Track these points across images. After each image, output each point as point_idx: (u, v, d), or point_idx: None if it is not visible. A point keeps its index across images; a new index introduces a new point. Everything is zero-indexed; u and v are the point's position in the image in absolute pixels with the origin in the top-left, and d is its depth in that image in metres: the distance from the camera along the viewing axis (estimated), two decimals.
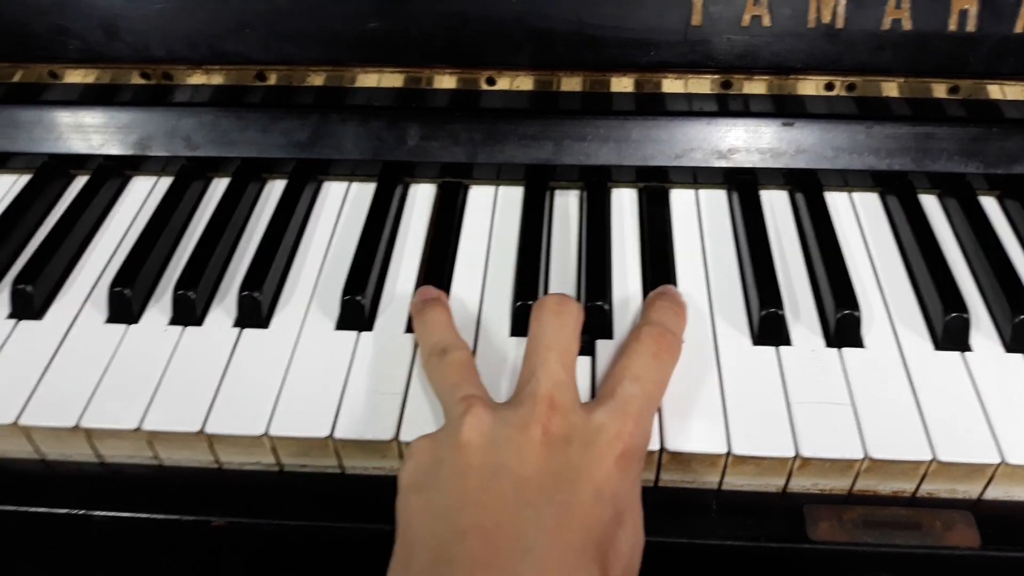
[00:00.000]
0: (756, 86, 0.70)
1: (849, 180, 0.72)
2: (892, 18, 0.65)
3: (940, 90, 0.70)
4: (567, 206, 0.72)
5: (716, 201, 0.72)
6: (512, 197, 0.73)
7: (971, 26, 0.65)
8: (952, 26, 0.65)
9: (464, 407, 0.49)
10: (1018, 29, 0.65)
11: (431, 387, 0.56)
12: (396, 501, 0.49)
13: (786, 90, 0.70)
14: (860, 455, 0.53)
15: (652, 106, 0.72)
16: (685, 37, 0.66)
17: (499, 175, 0.74)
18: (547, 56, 0.69)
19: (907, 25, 0.65)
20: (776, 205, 0.71)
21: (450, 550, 0.44)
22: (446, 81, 0.72)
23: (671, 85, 0.70)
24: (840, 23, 0.65)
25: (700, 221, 0.70)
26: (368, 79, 0.72)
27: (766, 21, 0.66)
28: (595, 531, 0.45)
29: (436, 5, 0.67)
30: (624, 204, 0.72)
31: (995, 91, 0.70)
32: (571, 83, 0.71)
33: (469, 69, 0.71)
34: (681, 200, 0.72)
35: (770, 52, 0.67)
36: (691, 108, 0.72)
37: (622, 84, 0.71)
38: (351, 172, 0.75)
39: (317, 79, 0.73)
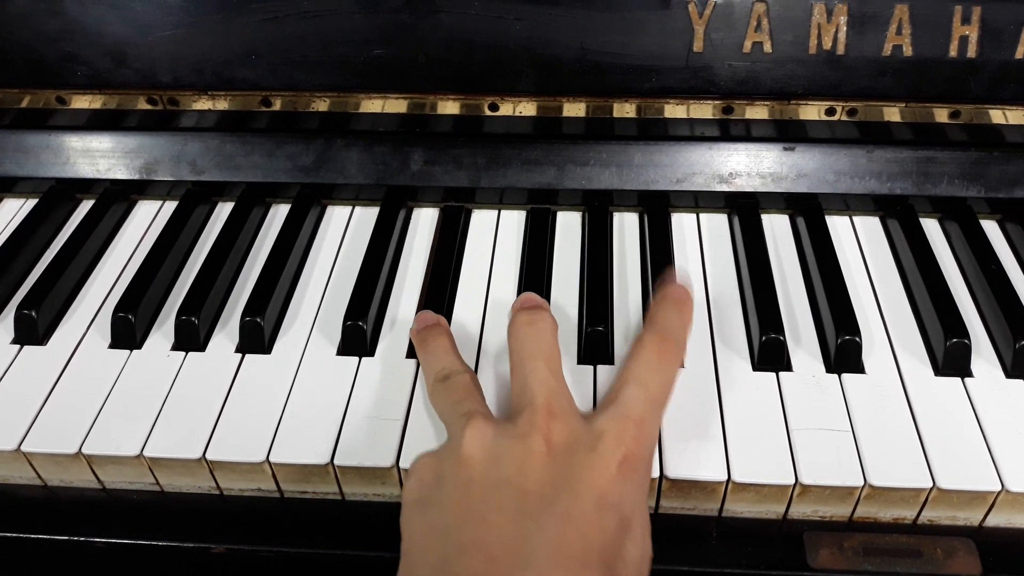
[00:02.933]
0: (757, 111, 0.70)
1: (850, 204, 0.72)
2: (893, 44, 0.66)
3: (941, 115, 0.70)
4: (570, 229, 0.72)
5: (717, 225, 0.72)
6: (514, 221, 0.73)
7: (972, 52, 0.65)
8: (953, 52, 0.65)
9: (465, 421, 0.49)
10: (1018, 55, 0.65)
11: (436, 413, 0.56)
12: (400, 518, 0.48)
13: (787, 115, 0.70)
14: (860, 482, 0.53)
15: (654, 131, 0.72)
16: (687, 63, 0.67)
17: (502, 199, 0.74)
18: (550, 82, 0.69)
19: (908, 51, 0.66)
20: (777, 229, 0.72)
21: (451, 566, 0.44)
22: (450, 107, 0.72)
23: (673, 110, 0.71)
24: (841, 49, 0.66)
25: (701, 245, 0.70)
26: (373, 105, 0.73)
27: (767, 47, 0.66)
28: (598, 540, 0.44)
29: (442, 32, 0.67)
30: (626, 228, 0.72)
31: (996, 116, 0.70)
32: (574, 109, 0.71)
33: (473, 95, 0.71)
34: (683, 224, 0.73)
35: (771, 78, 0.67)
36: (693, 133, 0.72)
37: (624, 110, 0.71)
38: (355, 196, 0.75)
39: (322, 104, 0.73)
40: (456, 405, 0.52)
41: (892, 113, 0.70)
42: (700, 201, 0.73)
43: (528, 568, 0.43)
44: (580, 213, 0.73)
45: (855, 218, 0.73)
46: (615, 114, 0.72)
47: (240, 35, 0.68)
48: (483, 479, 0.47)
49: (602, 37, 0.66)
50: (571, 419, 0.49)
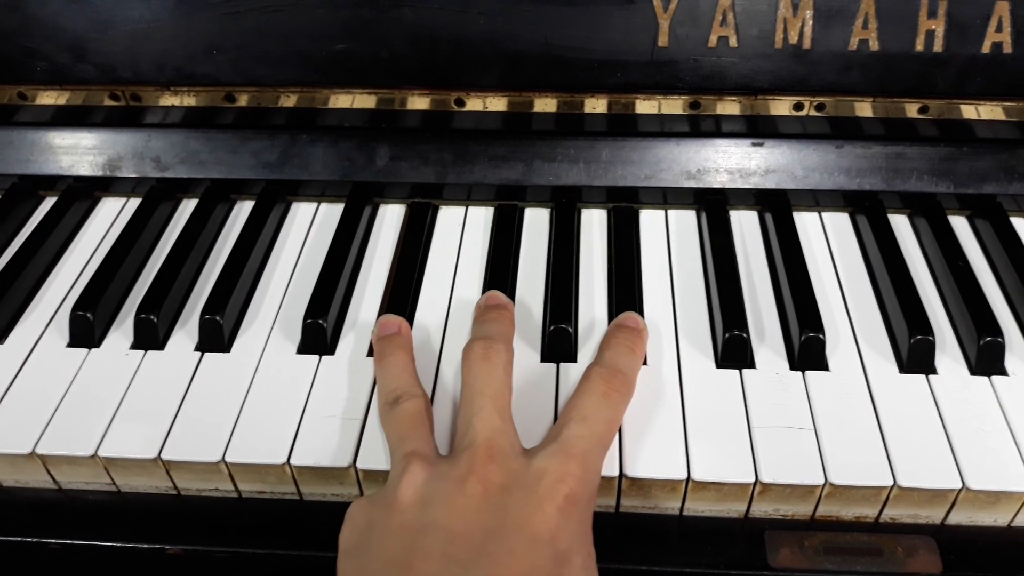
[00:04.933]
0: (725, 106, 0.70)
1: (820, 200, 0.72)
2: (859, 39, 0.65)
3: (910, 110, 0.70)
4: (538, 226, 0.71)
5: (686, 222, 0.72)
6: (481, 217, 0.72)
7: (938, 46, 0.65)
8: (919, 46, 0.65)
9: (403, 465, 0.49)
10: (985, 49, 0.65)
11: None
12: (338, 560, 0.48)
13: (755, 110, 0.70)
14: (821, 480, 0.52)
15: (622, 127, 0.72)
16: (652, 58, 0.66)
17: (469, 195, 0.74)
18: (516, 78, 0.68)
19: (874, 46, 0.65)
20: (745, 226, 0.71)
21: None
22: (416, 102, 0.72)
23: (640, 106, 0.70)
24: (807, 44, 0.65)
25: (669, 242, 0.70)
26: (338, 100, 0.72)
27: (733, 42, 0.65)
28: None
29: (405, 27, 0.67)
30: (593, 225, 0.72)
31: (964, 111, 0.69)
32: (541, 104, 0.71)
33: (439, 90, 0.71)
34: (651, 221, 0.72)
35: (738, 73, 0.67)
36: (660, 129, 0.72)
37: (591, 105, 0.71)
38: (321, 193, 0.74)
39: (287, 100, 0.72)
40: (400, 442, 0.52)
41: (861, 108, 0.70)
42: (669, 198, 0.73)
43: None
44: (548, 210, 0.73)
45: (824, 214, 0.72)
46: (582, 110, 0.71)
47: (200, 30, 0.68)
48: (412, 523, 0.46)
49: (566, 32, 0.66)
50: (511, 459, 0.49)
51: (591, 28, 0.66)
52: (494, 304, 0.60)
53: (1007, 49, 0.65)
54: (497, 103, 0.70)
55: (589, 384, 0.54)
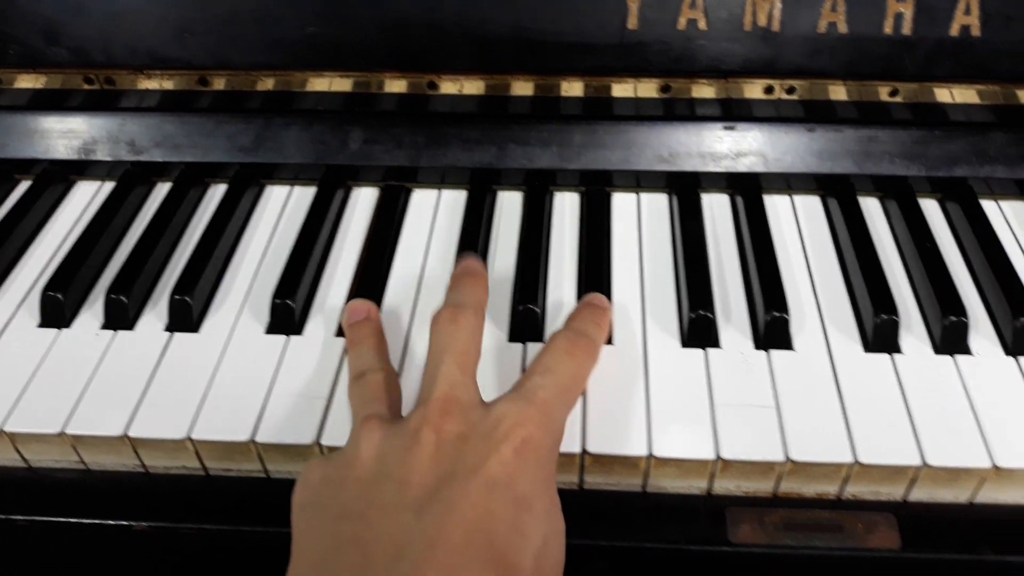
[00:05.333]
0: (696, 90, 0.70)
1: (792, 183, 0.72)
2: (828, 21, 0.65)
3: (881, 93, 0.70)
4: (512, 209, 0.72)
5: (657, 205, 0.72)
6: (455, 201, 0.73)
7: (907, 29, 0.65)
8: (888, 29, 0.65)
9: (360, 424, 0.49)
10: (953, 32, 0.65)
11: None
12: (291, 519, 0.48)
13: (726, 94, 0.70)
14: (781, 457, 0.53)
15: (594, 110, 0.72)
16: (622, 41, 0.66)
17: (443, 179, 0.74)
18: (488, 61, 0.69)
19: (843, 28, 0.65)
20: (716, 209, 0.71)
21: (328, 565, 0.44)
22: (390, 85, 0.72)
23: (612, 89, 0.71)
24: (776, 26, 0.65)
25: (640, 225, 0.70)
26: (311, 84, 0.72)
27: (702, 24, 0.66)
28: (486, 523, 0.43)
29: (376, 11, 0.67)
30: (565, 208, 0.72)
31: (935, 94, 0.70)
32: (513, 88, 0.71)
33: (412, 74, 0.71)
34: (623, 204, 0.72)
35: (707, 56, 0.67)
36: (633, 112, 0.72)
37: (563, 89, 0.71)
38: (294, 176, 0.75)
39: (260, 84, 0.73)
40: (362, 407, 0.52)
41: (832, 91, 0.70)
42: (641, 181, 0.73)
43: (402, 559, 0.42)
44: (522, 193, 0.73)
45: (796, 197, 0.73)
46: (555, 93, 0.72)
47: (173, 14, 0.68)
48: (366, 476, 0.46)
49: (536, 14, 0.66)
50: (469, 410, 0.48)
51: (561, 11, 0.66)
52: (467, 271, 0.60)
53: (975, 32, 0.65)
54: (470, 86, 0.71)
55: (554, 343, 0.54)
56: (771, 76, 0.69)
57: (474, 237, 0.67)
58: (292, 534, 0.47)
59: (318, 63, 0.70)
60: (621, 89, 0.70)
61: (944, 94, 0.70)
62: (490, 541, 0.43)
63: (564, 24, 0.66)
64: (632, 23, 0.66)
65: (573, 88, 0.71)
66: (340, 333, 0.61)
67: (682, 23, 0.66)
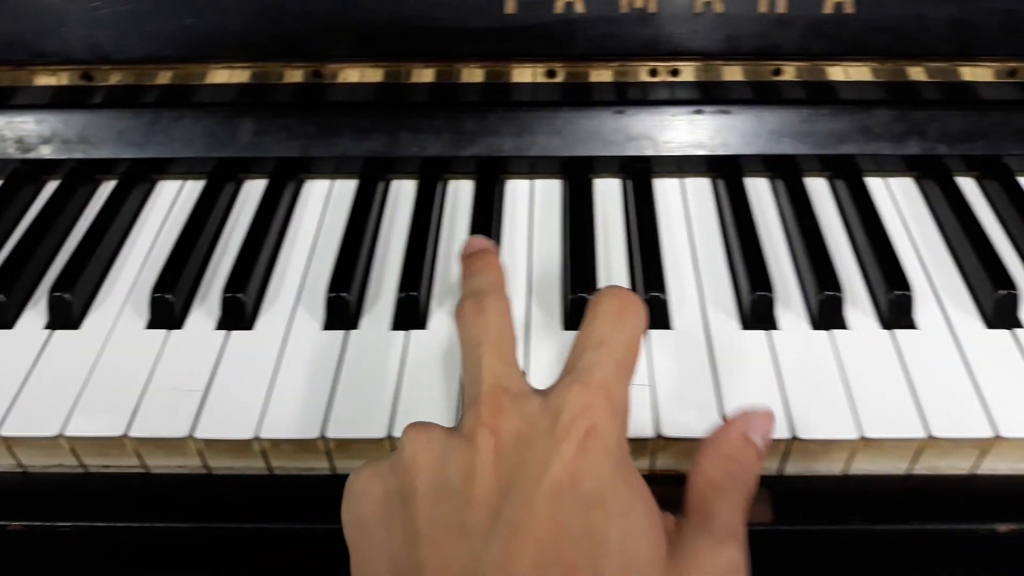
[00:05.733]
0: (581, 74, 0.70)
1: (683, 167, 0.73)
2: (704, 1, 0.66)
3: (764, 72, 0.71)
4: (406, 198, 0.72)
5: (550, 191, 0.72)
6: (349, 191, 0.72)
7: (781, 7, 0.66)
8: (763, 8, 0.66)
9: (410, 432, 0.45)
10: (827, 10, 0.66)
11: None
12: (345, 531, 0.45)
13: (612, 77, 0.71)
14: (652, 434, 0.53)
15: (484, 97, 0.72)
16: (501, 25, 0.66)
17: (337, 169, 0.74)
18: (369, 48, 0.69)
19: (719, 8, 0.66)
20: (608, 194, 0.72)
21: None
22: (275, 76, 0.72)
23: (500, 76, 0.71)
24: (653, 7, 0.66)
25: (532, 211, 0.71)
26: (198, 76, 0.72)
27: (579, 8, 0.66)
28: (555, 538, 0.39)
29: (252, 1, 0.66)
30: (459, 196, 0.72)
31: (819, 72, 0.70)
32: (400, 75, 0.71)
33: (295, 63, 0.70)
34: (518, 191, 0.73)
35: (587, 39, 0.67)
36: (523, 98, 0.72)
37: (451, 75, 0.71)
38: (187, 171, 0.74)
39: (147, 78, 0.72)
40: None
41: (715, 72, 0.71)
42: (536, 167, 0.73)
43: None
44: (415, 182, 0.73)
45: (687, 180, 0.73)
46: (445, 80, 0.72)
47: (46, 7, 0.67)
48: (429, 491, 0.42)
49: (413, 1, 0.66)
50: (523, 402, 0.44)
51: None
52: (475, 251, 0.56)
53: (848, 10, 0.66)
54: (354, 75, 0.71)
55: (598, 307, 0.48)
56: (653, 58, 0.69)
57: (361, 226, 0.67)
58: (351, 552, 0.44)
59: (202, 55, 0.70)
60: (508, 75, 0.71)
61: (827, 72, 0.70)
62: (561, 557, 0.39)
63: (441, 9, 0.66)
64: (510, 7, 0.66)
65: (462, 75, 0.71)
66: (220, 326, 0.61)
67: (559, 6, 0.66)
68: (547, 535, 0.39)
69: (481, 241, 0.58)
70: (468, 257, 0.56)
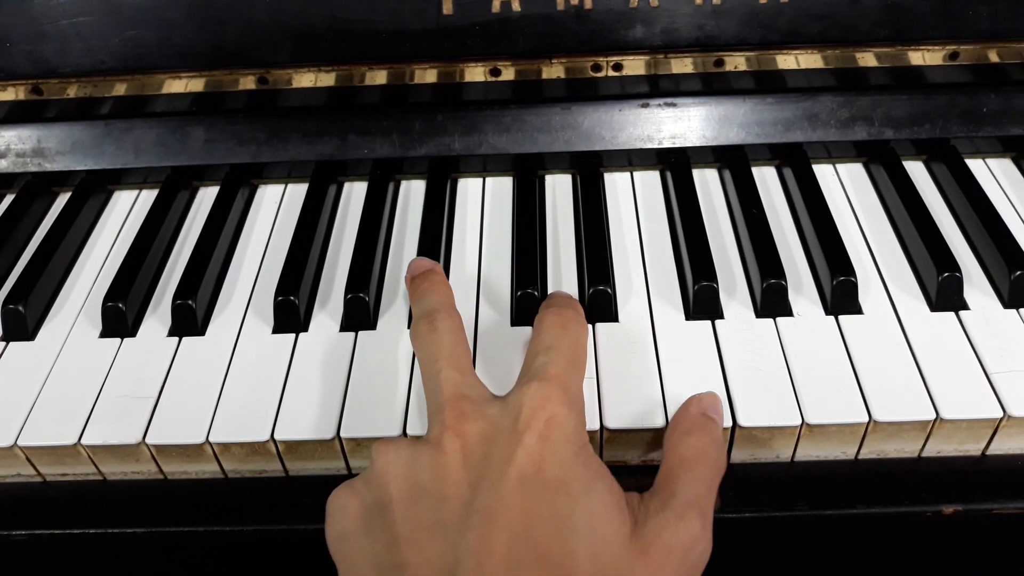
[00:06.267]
0: (526, 72, 0.71)
1: (632, 159, 0.74)
2: None
3: (706, 64, 0.72)
4: (357, 198, 0.73)
5: (502, 188, 0.73)
6: (299, 195, 0.73)
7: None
8: (633, 3, 0.67)
9: (379, 447, 0.48)
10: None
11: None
12: (330, 548, 0.47)
13: (556, 74, 0.71)
14: (596, 426, 0.54)
15: (432, 97, 0.73)
16: (439, 26, 0.67)
17: (290, 173, 0.74)
18: (311, 52, 0.69)
19: (654, 1, 0.67)
20: (559, 188, 0.73)
21: None
22: (222, 83, 0.72)
23: (438, 76, 0.71)
24: (588, 3, 0.66)
25: (483, 207, 0.71)
26: (146, 86, 0.72)
27: (516, 6, 0.66)
28: (525, 523, 0.42)
29: (191, 9, 0.67)
30: (411, 196, 0.73)
31: (759, 61, 0.71)
32: (345, 78, 0.72)
33: (240, 70, 0.71)
34: (471, 189, 0.73)
35: (525, 37, 0.68)
36: (473, 97, 0.73)
37: (394, 77, 0.71)
38: (142, 180, 0.75)
39: (94, 89, 0.72)
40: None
41: (659, 65, 0.71)
42: (488, 165, 0.74)
43: None
44: (366, 183, 0.74)
45: (636, 173, 0.74)
46: (392, 82, 0.72)
47: None
48: (405, 496, 0.45)
49: (350, 5, 0.66)
50: (484, 406, 0.48)
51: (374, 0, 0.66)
52: (420, 272, 0.59)
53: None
54: (301, 79, 0.71)
55: (543, 322, 0.54)
56: (595, 54, 0.70)
57: (310, 230, 0.67)
58: (338, 566, 0.46)
59: (148, 66, 0.70)
60: (455, 75, 0.71)
61: (769, 61, 0.71)
62: (533, 540, 0.42)
63: (379, 12, 0.66)
64: (447, 8, 0.66)
65: (409, 76, 0.71)
66: (172, 333, 0.61)
67: (496, 6, 0.66)
68: (517, 520, 0.42)
69: (425, 262, 0.61)
70: (415, 279, 0.59)
